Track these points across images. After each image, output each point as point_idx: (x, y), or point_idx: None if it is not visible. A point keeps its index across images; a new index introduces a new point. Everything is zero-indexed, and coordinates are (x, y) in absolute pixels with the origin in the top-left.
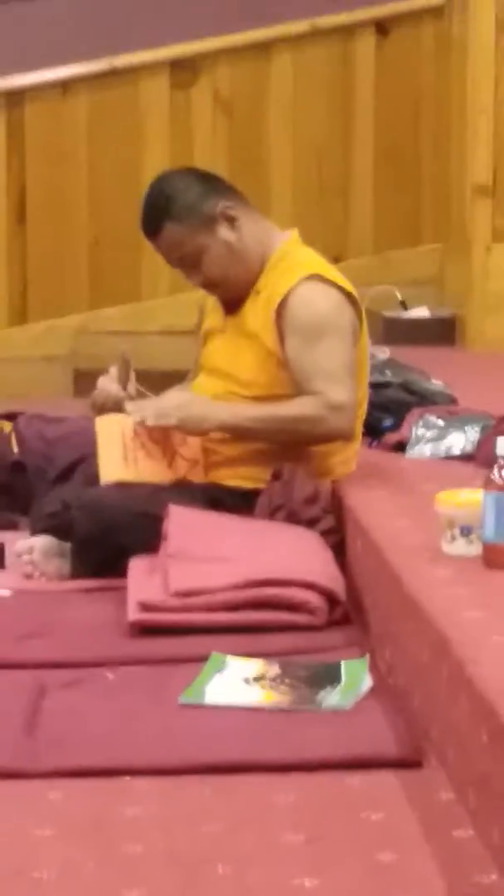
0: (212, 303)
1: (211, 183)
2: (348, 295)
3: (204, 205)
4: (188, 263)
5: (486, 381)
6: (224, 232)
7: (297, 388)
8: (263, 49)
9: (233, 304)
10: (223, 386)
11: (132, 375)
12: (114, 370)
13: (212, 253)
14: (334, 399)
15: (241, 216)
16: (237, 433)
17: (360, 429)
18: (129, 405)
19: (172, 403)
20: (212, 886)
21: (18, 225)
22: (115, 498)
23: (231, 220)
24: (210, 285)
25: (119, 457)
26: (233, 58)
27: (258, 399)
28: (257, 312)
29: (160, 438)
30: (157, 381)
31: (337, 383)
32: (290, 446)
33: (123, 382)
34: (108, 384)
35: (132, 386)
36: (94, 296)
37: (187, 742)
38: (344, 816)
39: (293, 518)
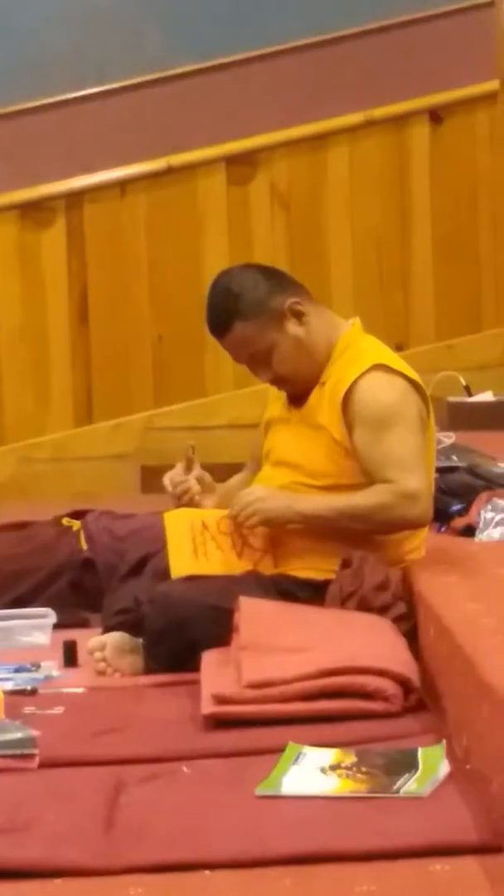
0: (274, 392)
1: (276, 278)
2: (413, 383)
3: (272, 302)
4: (257, 361)
5: None
6: (292, 328)
7: (369, 478)
8: (319, 141)
9: (298, 395)
10: (291, 477)
11: (197, 470)
12: (180, 466)
13: (281, 349)
14: (408, 488)
15: (307, 310)
16: (316, 524)
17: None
18: (238, 494)
19: (256, 497)
20: None
21: (81, 325)
22: (186, 592)
23: (299, 316)
24: (279, 381)
25: (189, 550)
26: (289, 151)
27: (328, 489)
28: (323, 404)
29: (230, 530)
30: (224, 474)
31: (409, 471)
32: (363, 535)
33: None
34: (177, 476)
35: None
36: (159, 392)
37: (266, 833)
38: None
39: (364, 606)
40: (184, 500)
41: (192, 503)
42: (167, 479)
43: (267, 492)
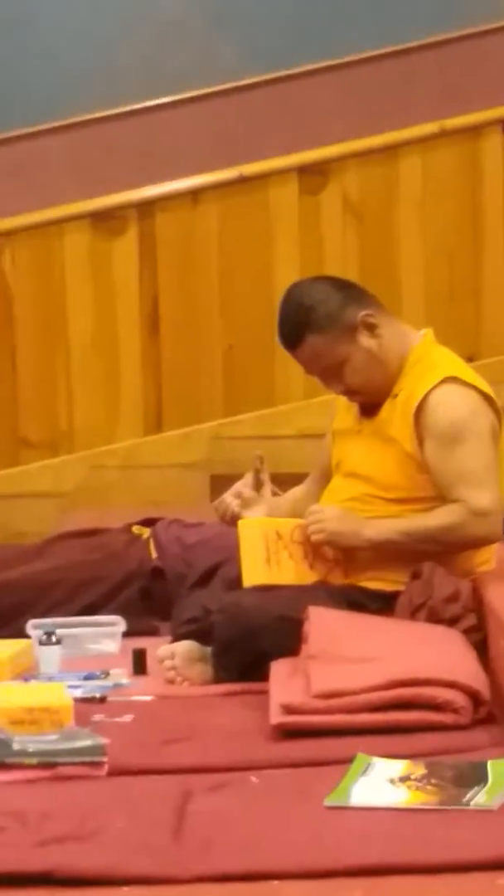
0: (344, 402)
1: (348, 290)
2: (486, 396)
3: (344, 314)
4: (330, 373)
5: None
6: (365, 340)
7: (439, 492)
8: (391, 152)
9: (370, 406)
10: (362, 489)
11: (267, 479)
12: (249, 476)
13: (354, 362)
14: (478, 505)
15: (380, 322)
16: (383, 548)
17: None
18: (311, 508)
19: (328, 515)
20: None
21: (152, 334)
22: (256, 601)
23: (371, 328)
24: (351, 393)
25: (262, 560)
26: (361, 162)
27: (399, 502)
28: (395, 416)
29: (303, 539)
30: (291, 484)
31: (480, 488)
32: (435, 552)
33: (258, 488)
34: (240, 488)
35: (267, 489)
36: (228, 402)
37: (335, 844)
38: None
39: (434, 617)
40: (226, 518)
41: (234, 518)
42: (234, 489)
43: (339, 513)
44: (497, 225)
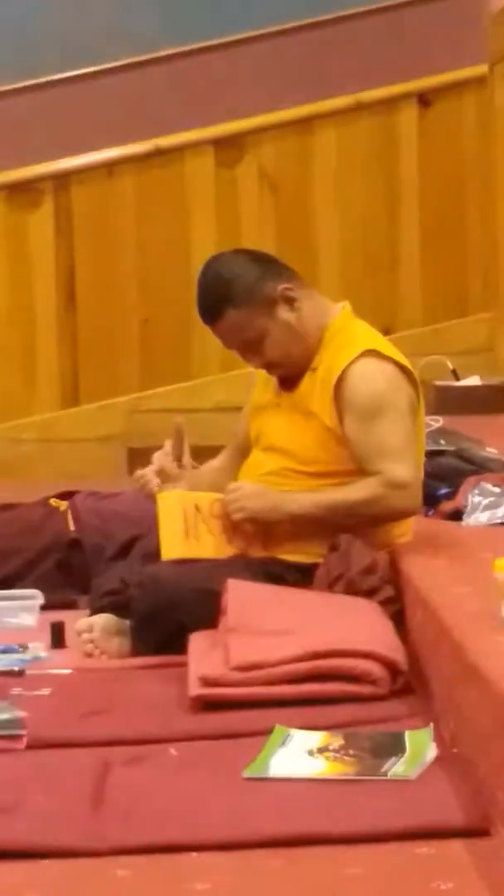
0: (262, 376)
1: (267, 264)
2: (404, 369)
3: (263, 288)
4: (249, 347)
5: None
6: (284, 313)
7: (359, 466)
8: (307, 124)
9: (289, 380)
10: (281, 463)
11: (186, 448)
12: (168, 445)
13: (273, 335)
14: (397, 478)
15: (299, 295)
16: (304, 522)
17: None
18: (229, 486)
19: (245, 493)
20: None
21: (68, 307)
22: (174, 574)
23: (290, 301)
24: (270, 366)
25: (181, 533)
26: (277, 134)
27: (319, 476)
28: (315, 390)
29: (222, 514)
30: (210, 457)
31: (399, 461)
32: (352, 526)
33: (178, 455)
34: (161, 459)
35: (187, 458)
36: (145, 375)
37: (254, 815)
38: (414, 887)
39: (352, 589)
40: (145, 491)
41: (153, 495)
42: (154, 459)
43: (256, 490)
44: (412, 197)
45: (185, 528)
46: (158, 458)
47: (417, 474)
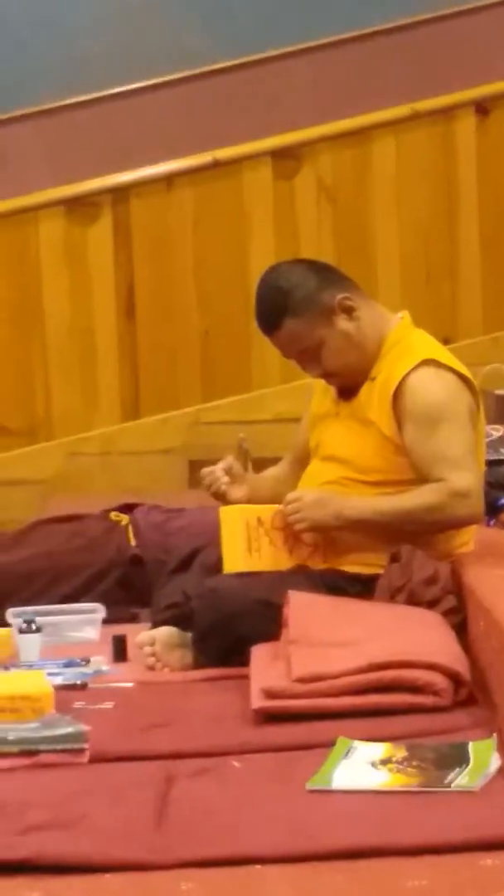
0: (321, 386)
1: (325, 273)
2: (464, 378)
3: (322, 297)
4: (307, 356)
5: None
6: (342, 323)
7: (419, 475)
8: (365, 135)
9: (347, 389)
10: (341, 472)
11: (249, 463)
12: (230, 458)
13: (331, 345)
14: (459, 486)
15: (357, 305)
16: (365, 528)
17: None
18: (289, 496)
19: (307, 503)
20: None
21: (128, 320)
22: (235, 587)
23: (349, 311)
24: (329, 376)
25: (243, 547)
26: (334, 145)
27: (378, 485)
28: (373, 399)
29: (283, 525)
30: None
31: (460, 469)
32: (412, 534)
33: (243, 468)
34: (230, 462)
35: (250, 473)
36: (205, 387)
37: (317, 828)
38: None
39: (413, 600)
40: (212, 490)
41: (219, 493)
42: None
43: (317, 498)
44: (471, 206)
45: (248, 542)
46: (225, 461)
47: (479, 482)
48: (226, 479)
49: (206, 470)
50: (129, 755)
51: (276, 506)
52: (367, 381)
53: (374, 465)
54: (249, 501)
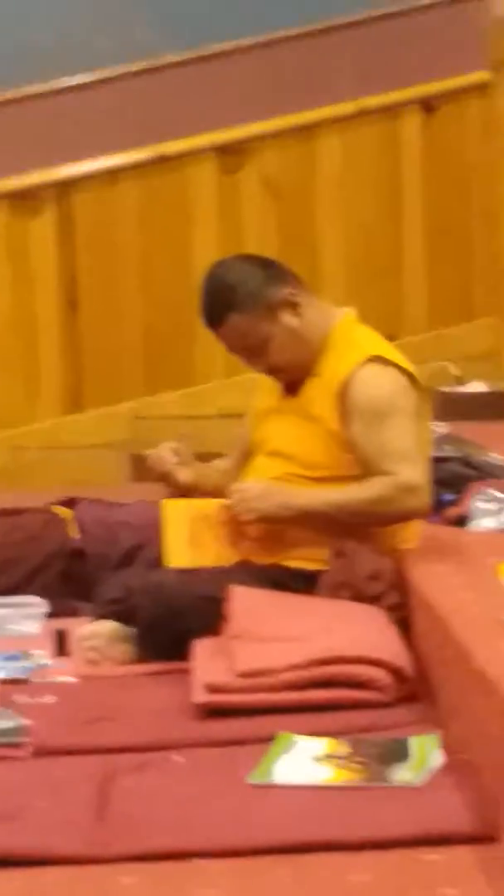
0: (266, 381)
1: (270, 269)
2: (409, 375)
3: (267, 293)
4: (252, 352)
5: None
6: (288, 318)
7: (366, 471)
8: (310, 131)
9: (292, 385)
10: (286, 468)
11: (191, 458)
12: (177, 442)
13: (276, 340)
14: (407, 479)
15: (302, 301)
16: (313, 518)
17: None
18: (233, 487)
19: (253, 494)
20: None
21: (71, 314)
22: (178, 581)
23: (294, 307)
24: (274, 371)
25: (186, 542)
26: (280, 141)
27: (323, 481)
28: (318, 395)
29: (227, 519)
30: None
31: (408, 463)
32: (357, 526)
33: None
34: (176, 445)
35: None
36: (149, 381)
37: (259, 822)
38: (421, 893)
39: (357, 595)
40: (156, 469)
41: (165, 474)
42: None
43: (264, 489)
44: (416, 204)
45: (191, 536)
46: (172, 442)
47: (427, 476)
48: (174, 459)
49: (152, 451)
50: (71, 749)
51: (221, 500)
52: (312, 377)
53: (319, 460)
54: (195, 488)
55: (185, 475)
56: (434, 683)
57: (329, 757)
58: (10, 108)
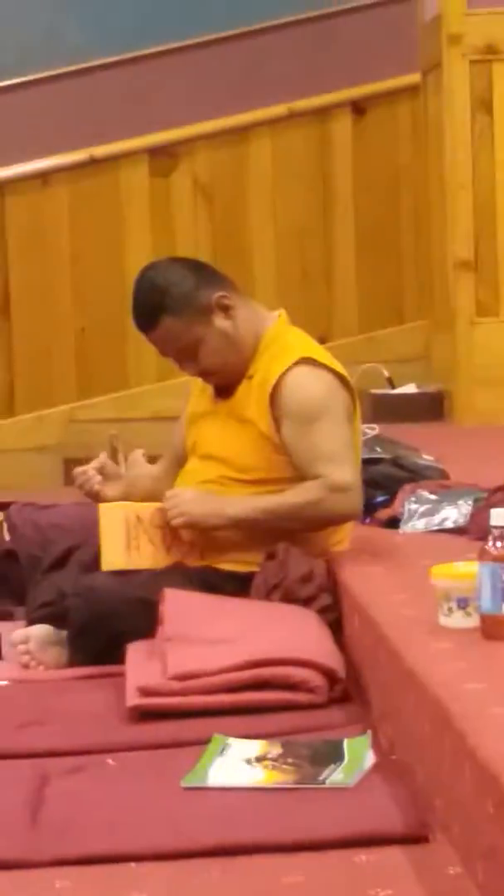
0: (198, 384)
1: (202, 272)
2: (340, 377)
3: (199, 296)
4: (184, 354)
5: (476, 455)
6: (220, 321)
7: (298, 472)
8: (241, 133)
9: (224, 388)
10: (219, 471)
11: (122, 459)
12: (103, 455)
13: (209, 343)
14: (338, 480)
15: (234, 303)
16: (246, 526)
17: None
18: (168, 493)
19: (185, 499)
20: None
21: (3, 317)
22: (111, 584)
23: (226, 309)
24: (206, 374)
25: (122, 545)
26: (211, 143)
27: (257, 484)
28: (251, 398)
29: (162, 523)
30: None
31: (338, 465)
32: (291, 531)
33: (115, 467)
34: (102, 460)
35: (123, 469)
36: (81, 385)
37: (192, 825)
38: (353, 894)
39: (289, 597)
40: (84, 489)
41: (92, 493)
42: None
43: (197, 496)
44: (347, 206)
45: (127, 539)
46: (98, 460)
47: (358, 477)
48: (98, 478)
49: (78, 469)
50: (3, 753)
51: (156, 504)
52: (245, 380)
53: (253, 463)
54: (126, 499)
55: (111, 492)
56: (366, 685)
57: (261, 759)
58: None
